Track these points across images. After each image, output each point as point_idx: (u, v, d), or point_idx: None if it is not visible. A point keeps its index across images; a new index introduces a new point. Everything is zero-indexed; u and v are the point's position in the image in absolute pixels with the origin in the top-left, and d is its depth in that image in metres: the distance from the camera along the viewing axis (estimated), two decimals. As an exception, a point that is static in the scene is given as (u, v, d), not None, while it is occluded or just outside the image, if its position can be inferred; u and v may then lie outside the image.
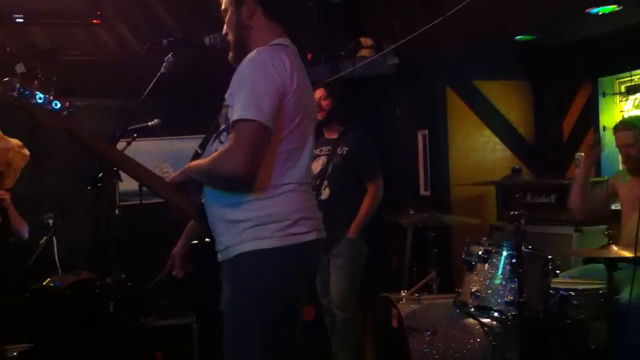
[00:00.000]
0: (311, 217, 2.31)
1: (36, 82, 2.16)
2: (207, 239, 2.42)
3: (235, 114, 2.17)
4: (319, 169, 4.39)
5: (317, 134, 4.25)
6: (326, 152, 4.45)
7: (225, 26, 2.47)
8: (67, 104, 2.19)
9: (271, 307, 2.23)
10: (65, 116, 2.18)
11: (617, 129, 4.12)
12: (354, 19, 5.98)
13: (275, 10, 2.41)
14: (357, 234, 4.32)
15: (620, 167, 4.70)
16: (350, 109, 4.84)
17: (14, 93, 2.11)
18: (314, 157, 4.40)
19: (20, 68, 2.16)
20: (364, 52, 5.76)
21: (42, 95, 2.14)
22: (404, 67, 5.64)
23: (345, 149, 4.42)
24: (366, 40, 5.79)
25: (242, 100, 2.16)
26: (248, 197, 2.21)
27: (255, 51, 2.26)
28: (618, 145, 4.09)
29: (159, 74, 2.74)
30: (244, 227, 2.22)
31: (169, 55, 2.73)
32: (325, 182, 4.34)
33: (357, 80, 5.64)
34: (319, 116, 4.28)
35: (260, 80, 2.18)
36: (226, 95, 2.31)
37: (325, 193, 4.32)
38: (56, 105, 2.16)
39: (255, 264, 2.22)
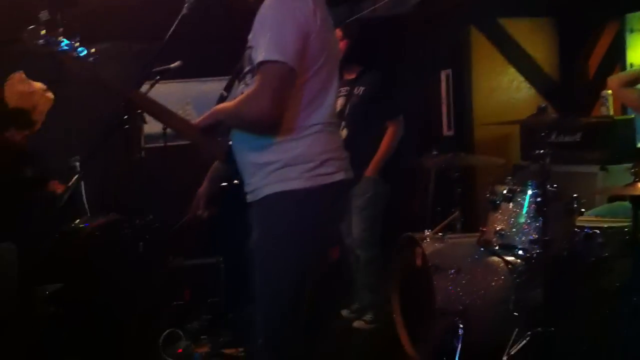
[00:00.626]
0: (338, 158, 2.32)
1: (61, 29, 2.17)
2: (235, 181, 2.45)
3: (259, 55, 2.16)
4: (337, 110, 4.38)
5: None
6: (344, 93, 4.43)
7: None
8: (93, 50, 2.19)
9: (299, 247, 2.26)
10: (91, 62, 2.19)
11: None
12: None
13: None
14: (376, 172, 4.34)
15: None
16: (372, 49, 4.79)
17: (41, 41, 2.12)
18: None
19: (44, 15, 2.16)
20: (383, -9, 5.65)
21: (67, 42, 2.14)
22: (427, 5, 5.54)
23: (362, 88, 4.40)
24: (388, -21, 5.68)
25: (265, 42, 2.15)
26: (275, 139, 2.23)
27: None
28: None
29: (181, 15, 2.73)
30: (272, 169, 2.25)
31: None
32: (343, 123, 4.33)
33: (379, 19, 5.56)
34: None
35: (283, 20, 2.16)
36: (249, 37, 2.29)
37: (343, 133, 4.31)
38: (82, 52, 2.17)
39: (284, 205, 2.25)
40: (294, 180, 2.23)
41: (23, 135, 4.27)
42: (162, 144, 4.52)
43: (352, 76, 4.50)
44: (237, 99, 2.29)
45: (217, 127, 2.38)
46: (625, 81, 4.01)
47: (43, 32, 2.12)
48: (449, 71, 5.75)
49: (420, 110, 5.88)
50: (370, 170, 4.33)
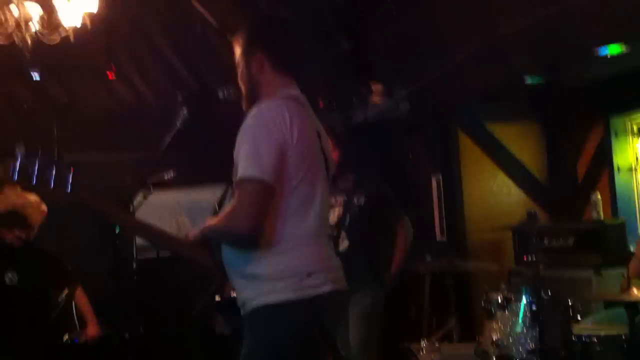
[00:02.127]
0: (327, 269, 2.30)
1: (37, 161, 2.20)
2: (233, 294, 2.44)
3: (237, 172, 2.19)
4: (335, 220, 4.38)
5: (329, 184, 4.29)
6: (341, 203, 4.44)
7: (238, 77, 2.49)
8: (71, 173, 2.22)
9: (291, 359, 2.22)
10: (67, 192, 2.21)
11: None
12: (365, 64, 6.05)
13: (284, 62, 2.42)
14: (394, 281, 4.29)
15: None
16: (363, 155, 4.86)
17: (14, 176, 2.16)
18: (331, 207, 4.41)
19: (19, 149, 2.21)
20: (376, 98, 5.81)
21: (41, 174, 2.17)
22: (416, 111, 5.68)
23: (363, 199, 4.40)
24: (377, 86, 5.84)
25: (243, 158, 2.18)
26: (261, 252, 2.22)
27: (256, 107, 2.27)
28: None
29: (174, 130, 2.78)
30: (259, 282, 2.23)
31: (184, 110, 2.76)
32: (343, 234, 4.32)
33: (369, 125, 5.68)
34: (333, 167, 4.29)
35: (258, 136, 2.19)
36: (234, 153, 2.33)
37: (344, 244, 4.28)
38: (57, 180, 2.19)
39: (270, 318, 2.22)
40: (282, 293, 2.20)
41: (14, 235, 4.28)
42: (155, 256, 4.50)
43: (348, 184, 4.52)
44: (220, 214, 2.31)
45: (208, 242, 2.39)
46: None
47: (16, 166, 2.15)
48: (440, 176, 5.82)
49: (413, 215, 5.91)
50: (390, 280, 4.26)
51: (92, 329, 4.24)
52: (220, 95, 2.65)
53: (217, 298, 2.84)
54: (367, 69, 6.00)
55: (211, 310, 2.61)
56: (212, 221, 2.37)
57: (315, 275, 2.23)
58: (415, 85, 5.38)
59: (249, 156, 2.16)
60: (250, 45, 2.40)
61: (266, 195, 2.16)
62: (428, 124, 5.94)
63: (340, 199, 4.43)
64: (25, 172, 2.17)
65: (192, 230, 2.41)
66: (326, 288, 2.26)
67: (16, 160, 2.17)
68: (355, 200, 4.40)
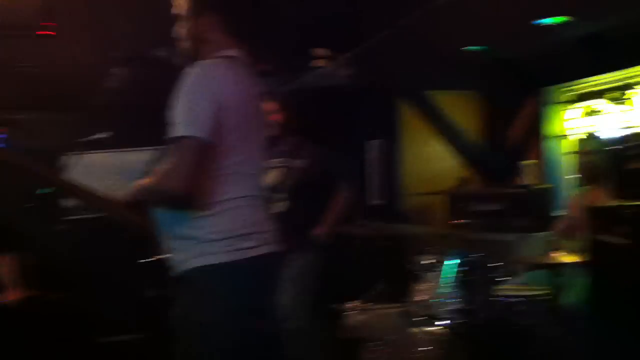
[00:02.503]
0: (261, 231, 2.30)
1: None
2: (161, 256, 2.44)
3: (173, 131, 2.17)
4: (276, 181, 4.39)
5: (272, 145, 4.29)
6: (283, 164, 4.45)
7: (177, 31, 2.44)
8: (5, 130, 2.17)
9: (221, 324, 2.23)
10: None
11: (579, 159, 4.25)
12: (309, 30, 6.03)
13: (235, 25, 2.38)
14: (326, 236, 4.32)
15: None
16: (305, 119, 4.86)
17: None
18: (270, 169, 4.42)
19: None
20: (319, 63, 5.80)
21: None
22: (359, 77, 5.70)
23: (304, 160, 4.42)
24: (320, 52, 5.84)
25: (179, 117, 2.15)
26: (195, 213, 2.22)
27: (194, 66, 2.24)
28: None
29: (110, 88, 2.73)
30: (193, 244, 2.22)
31: (120, 69, 2.71)
32: (284, 195, 4.34)
33: (311, 90, 5.68)
34: (272, 130, 4.29)
35: (196, 94, 2.16)
36: (169, 112, 2.30)
37: (283, 205, 4.31)
38: None
39: (204, 280, 2.21)
40: (215, 255, 2.20)
41: None
42: (86, 215, 4.45)
43: (290, 147, 4.53)
44: (155, 175, 2.28)
45: (142, 202, 2.37)
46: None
47: None
48: (380, 141, 5.88)
49: (353, 179, 5.97)
50: (319, 232, 4.28)
51: (14, 292, 4.16)
52: (158, 55, 2.61)
53: (152, 259, 2.82)
54: (310, 34, 5.98)
55: (140, 272, 2.59)
56: (146, 181, 2.35)
57: (251, 237, 2.23)
58: (357, 51, 5.38)
59: (184, 114, 2.14)
60: (200, 4, 2.35)
61: (203, 154, 2.13)
62: (370, 90, 5.97)
63: (283, 161, 4.44)
64: None
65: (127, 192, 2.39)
66: (262, 250, 2.26)
67: None
68: (296, 162, 4.42)
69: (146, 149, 5.05)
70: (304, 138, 4.54)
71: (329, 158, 4.49)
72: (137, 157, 5.35)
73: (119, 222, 2.38)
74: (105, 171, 5.39)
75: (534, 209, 4.77)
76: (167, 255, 2.32)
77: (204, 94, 2.17)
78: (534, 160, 5.24)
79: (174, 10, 2.42)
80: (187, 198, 2.16)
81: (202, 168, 2.15)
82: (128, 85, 2.81)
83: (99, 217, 2.38)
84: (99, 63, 2.79)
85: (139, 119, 5.40)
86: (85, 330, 4.33)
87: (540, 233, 4.51)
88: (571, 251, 3.67)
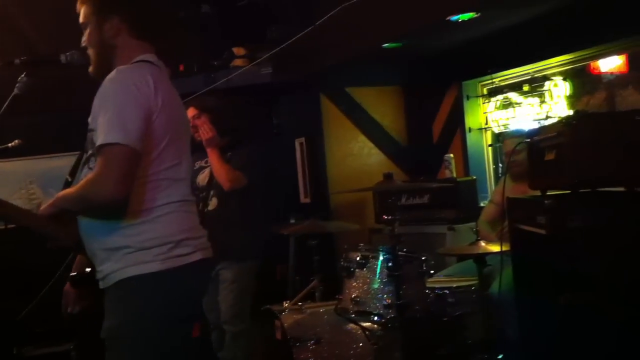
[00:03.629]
0: (194, 237, 2.25)
1: None
2: (87, 269, 2.35)
3: (99, 138, 2.08)
4: (205, 181, 4.32)
5: (199, 147, 4.20)
6: (208, 164, 4.39)
7: (84, 40, 2.36)
8: None
9: (157, 333, 2.16)
10: None
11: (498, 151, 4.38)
12: (228, 28, 5.96)
13: (143, 29, 2.33)
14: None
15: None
16: (228, 120, 4.80)
17: None
18: (199, 170, 4.34)
19: None
20: (238, 62, 5.75)
21: None
22: (279, 75, 5.68)
23: (230, 161, 4.37)
24: (239, 50, 5.78)
25: (105, 124, 2.08)
26: (126, 222, 2.14)
27: (115, 71, 2.17)
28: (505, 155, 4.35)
29: (12, 94, 2.62)
30: (125, 253, 2.15)
31: (23, 75, 2.60)
32: (212, 192, 4.27)
33: (233, 90, 5.61)
34: (195, 135, 4.21)
35: (123, 101, 2.10)
36: (89, 119, 2.21)
37: (213, 203, 4.25)
38: None
39: (139, 290, 2.15)
40: (149, 263, 2.13)
41: None
42: (3, 227, 4.22)
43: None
44: (80, 183, 2.19)
45: (63, 215, 2.26)
46: None
47: None
48: (303, 139, 5.87)
49: (278, 178, 5.95)
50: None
51: None
52: (63, 59, 2.51)
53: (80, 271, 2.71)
54: (229, 32, 5.91)
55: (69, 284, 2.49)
56: (68, 191, 2.25)
57: (183, 244, 2.19)
58: (277, 50, 5.36)
59: (112, 121, 2.06)
60: (104, 9, 2.29)
61: (132, 161, 2.07)
62: (291, 88, 5.96)
63: (208, 160, 4.37)
64: None
65: (44, 200, 2.29)
66: (194, 257, 2.22)
67: None
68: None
69: (65, 154, 4.92)
70: (231, 137, 4.48)
71: (253, 158, 4.44)
72: (56, 164, 5.17)
73: (43, 234, 2.27)
74: (19, 179, 5.18)
75: (459, 201, 4.88)
76: (97, 265, 2.24)
77: (130, 99, 2.11)
78: (455, 154, 5.35)
79: (80, 20, 2.35)
80: (116, 204, 2.08)
81: (132, 174, 2.09)
82: (38, 89, 2.70)
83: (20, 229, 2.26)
84: (2, 69, 2.65)
85: (53, 124, 5.22)
86: (12, 343, 4.17)
87: (466, 224, 4.61)
88: (495, 241, 3.75)
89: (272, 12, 5.82)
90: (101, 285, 2.23)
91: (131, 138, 2.07)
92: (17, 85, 2.56)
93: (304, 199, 5.87)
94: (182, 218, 2.23)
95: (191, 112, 4.32)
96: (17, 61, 2.56)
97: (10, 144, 3.83)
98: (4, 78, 2.68)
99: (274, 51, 5.42)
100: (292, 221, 4.38)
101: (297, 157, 5.92)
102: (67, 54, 2.48)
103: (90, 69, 2.37)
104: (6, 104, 2.56)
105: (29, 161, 5.24)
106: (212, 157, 4.21)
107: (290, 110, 6.11)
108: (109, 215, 2.14)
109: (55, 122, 5.29)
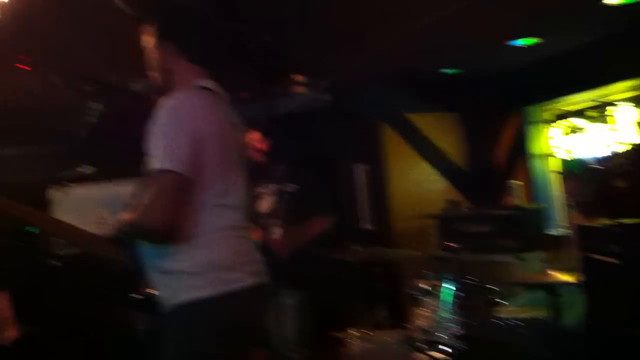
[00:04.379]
0: (248, 262, 2.27)
1: None
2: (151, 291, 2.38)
3: (152, 164, 2.14)
4: (267, 208, 4.36)
5: (260, 173, 4.26)
6: (273, 191, 4.42)
7: (149, 65, 2.42)
8: None
9: (211, 357, 2.18)
10: None
11: (564, 179, 4.30)
12: (287, 56, 6.04)
13: (194, 53, 2.38)
14: (286, 254, 4.28)
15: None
16: (289, 146, 4.85)
17: None
18: (261, 196, 4.39)
19: None
20: (298, 89, 5.81)
21: None
22: (339, 102, 5.71)
23: (293, 186, 4.40)
24: (299, 77, 5.84)
25: (158, 151, 2.12)
26: (179, 246, 2.17)
27: (168, 98, 2.22)
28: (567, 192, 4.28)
29: (87, 122, 2.69)
30: (178, 278, 2.18)
31: (97, 103, 2.67)
32: (275, 221, 4.30)
33: (292, 117, 5.67)
34: (259, 158, 4.27)
35: (174, 128, 2.14)
36: (146, 144, 2.26)
37: (275, 231, 4.28)
38: None
39: (192, 315, 2.17)
40: (202, 288, 2.15)
41: None
42: (69, 253, 4.35)
43: (280, 173, 4.51)
44: (135, 209, 2.24)
45: (124, 239, 2.32)
46: None
47: None
48: (365, 166, 5.88)
49: (341, 205, 5.95)
50: (281, 249, 4.24)
51: (9, 331, 4.07)
52: (134, 87, 2.58)
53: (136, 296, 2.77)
54: (289, 60, 5.99)
55: (130, 309, 2.53)
56: (126, 215, 2.30)
57: (236, 269, 2.20)
58: (337, 76, 5.40)
59: (163, 148, 2.11)
60: (161, 36, 2.36)
61: (181, 188, 2.11)
62: (351, 115, 5.98)
63: (273, 187, 4.41)
64: None
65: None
66: (248, 282, 2.23)
67: None
68: (287, 188, 4.39)
69: (128, 181, 5.02)
70: (293, 164, 4.53)
71: (313, 184, 4.48)
72: (124, 190, 5.29)
73: (104, 258, 2.33)
74: (91, 205, 5.31)
75: (525, 229, 4.80)
76: (153, 290, 2.27)
77: (179, 127, 2.15)
78: (521, 180, 5.27)
79: (143, 44, 2.42)
80: (165, 231, 2.12)
81: (180, 201, 2.12)
82: (107, 117, 2.78)
83: (84, 253, 2.32)
84: (77, 96, 2.73)
85: (124, 151, 5.35)
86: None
87: (534, 253, 4.52)
88: (565, 270, 3.67)
89: (329, 41, 5.87)
90: (161, 310, 2.26)
91: (180, 165, 2.10)
92: (92, 113, 2.62)
93: (367, 226, 5.85)
94: (234, 243, 2.25)
95: (254, 136, 4.38)
96: (91, 90, 2.63)
97: (85, 170, 3.92)
98: (76, 107, 2.76)
99: (333, 78, 5.47)
100: (355, 248, 4.36)
101: (359, 184, 5.92)
102: (138, 82, 2.54)
103: (155, 93, 2.42)
104: (85, 131, 2.63)
105: (99, 187, 5.38)
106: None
107: (351, 137, 6.12)
108: (158, 240, 2.17)
109: (123, 148, 5.42)
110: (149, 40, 2.39)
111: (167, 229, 2.10)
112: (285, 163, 4.51)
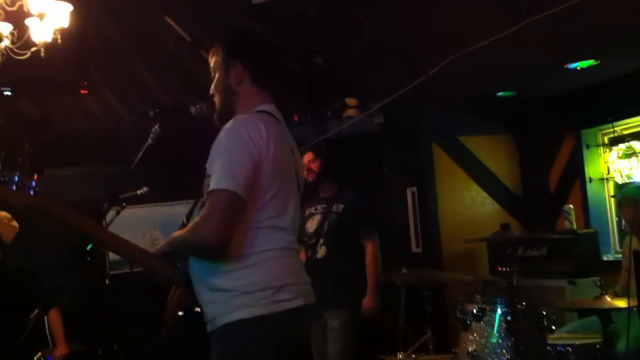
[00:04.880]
0: (297, 283, 2.28)
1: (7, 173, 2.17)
2: (197, 309, 2.41)
3: (211, 184, 2.17)
4: (314, 227, 4.39)
5: (311, 193, 4.29)
6: (321, 211, 4.46)
7: (212, 86, 2.48)
8: (35, 179, 2.17)
9: None
10: (30, 195, 2.17)
11: (620, 204, 4.21)
12: (339, 79, 6.08)
13: (263, 77, 2.43)
14: (376, 301, 4.29)
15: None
16: (339, 168, 4.87)
17: None
18: (309, 216, 4.42)
19: None
20: (350, 112, 5.83)
21: (3, 176, 2.14)
22: (390, 125, 5.72)
23: (341, 206, 4.43)
24: (351, 100, 5.87)
25: (217, 171, 2.17)
26: (230, 265, 2.20)
27: (232, 120, 2.26)
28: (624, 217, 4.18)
29: (146, 144, 2.76)
30: (229, 296, 2.20)
31: (156, 126, 2.73)
32: (321, 240, 4.33)
33: (344, 139, 5.70)
34: (310, 178, 4.32)
35: (234, 149, 2.19)
36: (207, 165, 2.31)
37: (322, 251, 4.30)
38: (19, 183, 2.16)
39: (242, 334, 2.19)
40: (252, 308, 2.17)
41: None
42: (128, 270, 4.44)
43: (329, 194, 4.54)
44: (188, 226, 2.28)
45: (174, 254, 2.36)
46: None
47: None
48: (415, 188, 5.85)
49: (389, 227, 5.94)
50: (370, 300, 4.27)
51: (61, 348, 4.18)
52: (193, 110, 2.64)
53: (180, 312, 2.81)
54: (340, 82, 6.03)
55: (178, 325, 2.56)
56: (178, 232, 2.34)
57: (287, 289, 2.21)
58: (388, 99, 5.41)
59: (222, 168, 2.15)
60: (230, 57, 2.41)
61: (236, 207, 2.14)
62: (402, 137, 5.98)
63: (321, 206, 4.45)
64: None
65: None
66: (297, 302, 2.24)
67: None
68: (333, 208, 4.42)
69: (185, 202, 5.14)
70: (342, 184, 4.56)
71: (364, 206, 4.48)
72: (176, 210, 5.43)
73: (158, 275, 2.37)
74: (144, 224, 5.46)
75: (580, 253, 4.68)
76: (203, 307, 2.30)
77: (242, 148, 2.19)
78: (575, 204, 5.16)
79: (211, 65, 2.47)
80: (218, 248, 2.15)
81: (234, 220, 2.15)
82: (165, 139, 2.84)
83: (139, 270, 2.37)
84: (136, 121, 2.80)
85: (177, 173, 5.48)
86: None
87: (587, 278, 4.41)
88: (620, 296, 3.57)
89: (381, 61, 5.89)
90: (208, 327, 2.29)
91: (238, 185, 2.14)
92: (150, 135, 2.69)
93: (415, 249, 5.81)
94: (285, 264, 2.27)
95: (307, 156, 4.43)
96: (151, 113, 2.70)
97: (139, 191, 4.02)
98: (133, 129, 2.84)
99: (386, 101, 5.48)
100: (404, 270, 4.33)
101: (408, 206, 5.90)
102: (197, 106, 2.60)
103: (215, 115, 2.48)
104: (140, 153, 2.70)
105: (152, 207, 5.53)
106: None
107: (402, 158, 6.12)
108: (209, 258, 2.21)
109: (176, 170, 5.55)
110: (217, 59, 2.44)
111: (219, 246, 2.13)
112: (334, 184, 4.54)
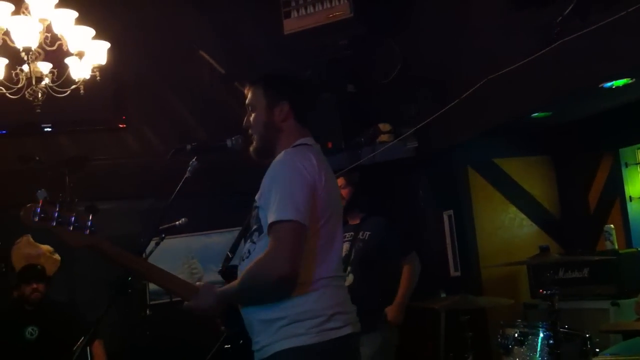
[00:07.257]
0: (345, 312, 2.31)
1: (57, 205, 2.24)
2: (240, 341, 2.42)
3: (271, 216, 2.20)
4: (342, 255, 4.38)
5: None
6: (349, 238, 4.46)
7: (247, 120, 2.53)
8: (90, 218, 2.24)
9: None
10: (86, 235, 2.23)
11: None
12: (371, 105, 6.12)
13: (306, 114, 2.51)
14: (399, 317, 4.25)
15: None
16: (374, 194, 4.88)
17: (36, 219, 2.20)
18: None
19: (41, 194, 2.26)
20: (383, 138, 5.86)
21: (61, 217, 2.21)
22: (424, 149, 5.72)
23: (367, 233, 4.42)
24: (384, 126, 5.90)
25: (277, 202, 2.20)
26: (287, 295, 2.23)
27: (283, 153, 2.32)
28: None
29: (184, 178, 2.81)
30: (280, 325, 2.22)
31: (193, 160, 2.79)
32: (349, 268, 4.32)
33: (378, 165, 5.71)
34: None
35: (292, 180, 2.24)
36: (256, 197, 2.35)
37: (349, 279, 4.29)
38: (76, 223, 2.23)
39: None
40: (303, 336, 2.19)
41: (32, 288, 4.30)
42: (168, 300, 4.51)
43: (356, 222, 4.55)
44: (247, 267, 2.28)
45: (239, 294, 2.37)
46: None
47: (38, 209, 2.19)
48: (451, 212, 5.82)
49: (426, 252, 5.90)
50: (394, 316, 4.23)
51: None
52: (229, 143, 2.69)
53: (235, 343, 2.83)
54: (373, 109, 6.07)
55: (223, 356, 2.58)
56: (228, 286, 2.34)
57: (336, 318, 2.24)
58: (422, 124, 5.42)
59: (284, 199, 2.20)
60: (277, 95, 2.47)
61: (302, 236, 2.19)
62: (437, 161, 5.96)
63: (348, 234, 4.45)
64: (45, 216, 2.21)
65: (204, 275, 2.42)
66: (346, 330, 2.26)
67: (38, 204, 2.21)
68: (360, 235, 4.42)
69: (221, 231, 5.20)
70: (368, 211, 4.55)
71: (391, 230, 4.47)
72: (213, 240, 5.49)
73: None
74: (183, 254, 5.53)
75: (622, 274, 4.58)
76: (253, 336, 2.31)
77: (299, 179, 2.24)
78: (616, 224, 5.07)
79: (247, 102, 2.53)
80: (291, 281, 2.18)
81: (302, 251, 2.18)
82: (201, 172, 2.89)
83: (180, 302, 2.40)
84: (173, 155, 2.86)
85: (212, 203, 5.56)
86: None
87: (630, 299, 4.31)
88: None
89: (413, 86, 5.91)
90: (256, 357, 2.31)
91: (301, 214, 2.18)
92: (188, 169, 2.74)
93: (453, 273, 5.76)
94: (335, 292, 2.30)
95: (339, 182, 4.45)
96: (188, 147, 2.76)
97: (177, 222, 4.07)
98: (172, 163, 2.90)
99: (419, 126, 5.49)
100: (442, 295, 4.30)
101: (445, 230, 5.86)
102: (233, 139, 2.65)
103: (251, 149, 2.53)
104: (179, 185, 2.75)
105: (189, 238, 5.59)
106: None
107: (437, 182, 6.09)
108: (283, 291, 2.20)
109: (212, 201, 5.63)
110: (258, 97, 2.50)
111: (293, 277, 2.16)
112: (362, 212, 4.55)
